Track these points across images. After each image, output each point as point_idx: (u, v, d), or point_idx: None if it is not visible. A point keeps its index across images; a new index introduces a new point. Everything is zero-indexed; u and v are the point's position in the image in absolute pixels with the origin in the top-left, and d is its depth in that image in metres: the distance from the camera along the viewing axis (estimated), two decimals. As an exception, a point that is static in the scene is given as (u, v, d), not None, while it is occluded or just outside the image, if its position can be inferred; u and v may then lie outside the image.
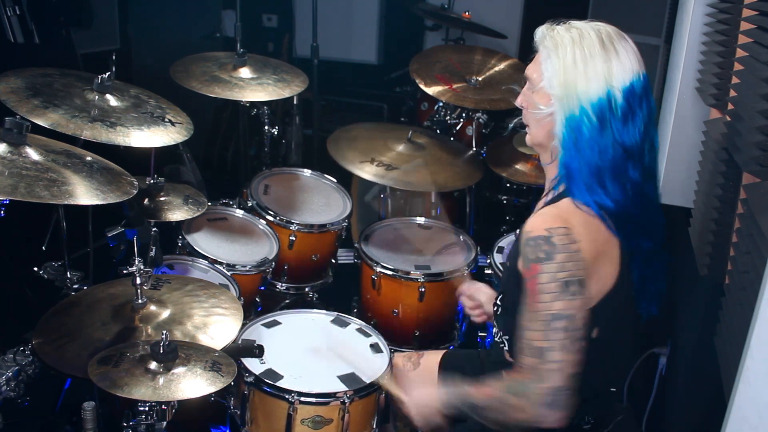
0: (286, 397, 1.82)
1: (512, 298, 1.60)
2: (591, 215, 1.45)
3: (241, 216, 2.73)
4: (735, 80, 1.74)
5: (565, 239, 1.42)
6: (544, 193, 1.65)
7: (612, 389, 1.69)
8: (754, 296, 1.20)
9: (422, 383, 1.94)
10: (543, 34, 1.52)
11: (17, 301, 2.62)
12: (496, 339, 1.74)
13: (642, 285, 1.56)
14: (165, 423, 1.62)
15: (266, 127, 3.10)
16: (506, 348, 1.66)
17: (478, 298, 1.96)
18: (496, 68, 3.38)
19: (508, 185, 3.45)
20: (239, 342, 1.91)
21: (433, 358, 2.04)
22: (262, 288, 2.57)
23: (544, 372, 1.40)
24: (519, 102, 1.62)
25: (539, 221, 1.47)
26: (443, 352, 2.06)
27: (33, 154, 1.65)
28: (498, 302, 1.69)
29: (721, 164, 1.76)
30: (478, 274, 2.64)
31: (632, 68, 1.45)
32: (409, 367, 2.03)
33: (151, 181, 2.24)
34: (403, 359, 2.06)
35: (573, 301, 1.41)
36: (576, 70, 1.45)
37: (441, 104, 3.45)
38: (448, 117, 3.48)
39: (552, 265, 1.41)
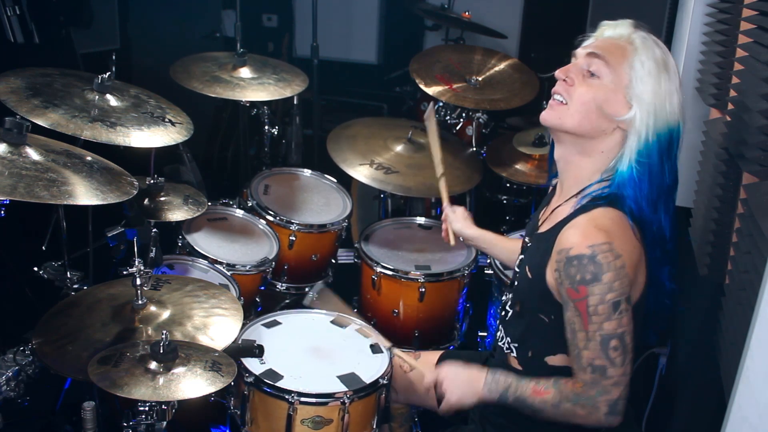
0: (286, 397, 1.82)
1: (531, 309, 1.60)
2: (633, 227, 1.47)
3: (241, 216, 2.73)
4: (735, 80, 1.74)
5: (610, 256, 1.41)
6: (572, 193, 1.58)
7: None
8: (754, 296, 1.20)
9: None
10: (631, 35, 1.51)
11: (17, 301, 2.62)
12: (500, 343, 1.73)
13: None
14: (165, 423, 1.61)
15: (266, 127, 3.10)
16: (514, 354, 1.66)
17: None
18: (496, 68, 3.37)
19: (508, 185, 3.45)
20: (239, 342, 1.91)
21: (429, 359, 2.03)
22: (262, 288, 2.56)
23: (608, 386, 1.45)
24: (569, 74, 1.53)
25: (579, 237, 1.44)
26: (440, 353, 2.06)
27: (33, 154, 1.65)
28: (508, 308, 1.68)
29: (721, 164, 1.76)
30: (478, 274, 2.64)
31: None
32: (406, 368, 2.03)
33: (151, 181, 2.24)
34: (399, 361, 2.05)
35: (622, 318, 1.43)
36: (665, 92, 1.47)
37: (441, 104, 3.45)
38: (448, 117, 3.48)
39: (600, 286, 1.41)
